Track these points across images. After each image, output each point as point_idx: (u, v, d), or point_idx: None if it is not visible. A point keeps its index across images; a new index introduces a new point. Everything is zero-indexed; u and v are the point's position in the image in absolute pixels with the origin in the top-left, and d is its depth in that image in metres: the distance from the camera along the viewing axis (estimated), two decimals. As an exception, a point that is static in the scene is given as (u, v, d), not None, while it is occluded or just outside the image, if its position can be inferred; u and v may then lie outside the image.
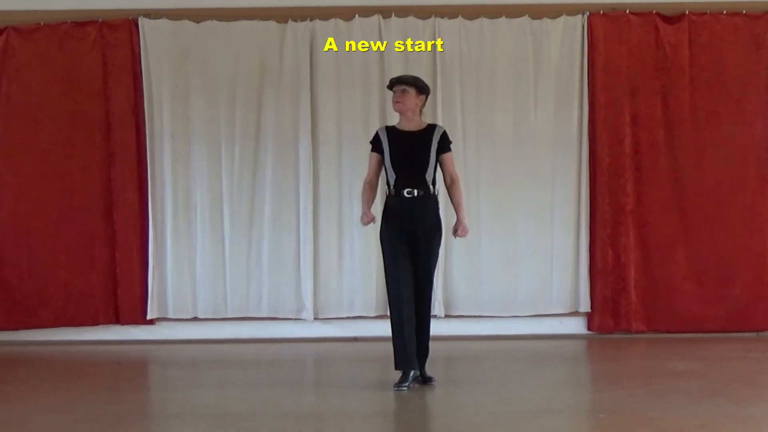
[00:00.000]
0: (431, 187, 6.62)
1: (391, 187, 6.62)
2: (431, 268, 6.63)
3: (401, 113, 6.70)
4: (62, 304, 8.85)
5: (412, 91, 6.66)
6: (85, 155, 8.86)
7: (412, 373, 6.52)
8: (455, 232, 6.79)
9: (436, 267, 6.72)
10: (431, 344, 6.68)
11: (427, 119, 6.85)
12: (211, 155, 8.89)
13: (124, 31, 8.85)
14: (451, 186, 6.78)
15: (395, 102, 6.70)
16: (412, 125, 6.69)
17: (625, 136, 8.85)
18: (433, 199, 6.65)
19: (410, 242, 6.58)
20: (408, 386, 6.47)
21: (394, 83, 6.76)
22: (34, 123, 8.84)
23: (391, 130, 6.74)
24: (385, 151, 6.65)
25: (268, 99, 8.89)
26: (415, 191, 6.57)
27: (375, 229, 8.82)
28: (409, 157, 6.62)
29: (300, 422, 5.78)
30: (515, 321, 8.89)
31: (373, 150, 6.74)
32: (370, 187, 6.80)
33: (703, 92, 8.87)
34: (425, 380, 6.65)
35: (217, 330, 8.92)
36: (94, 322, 8.89)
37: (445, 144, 6.69)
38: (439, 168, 6.72)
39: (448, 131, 6.77)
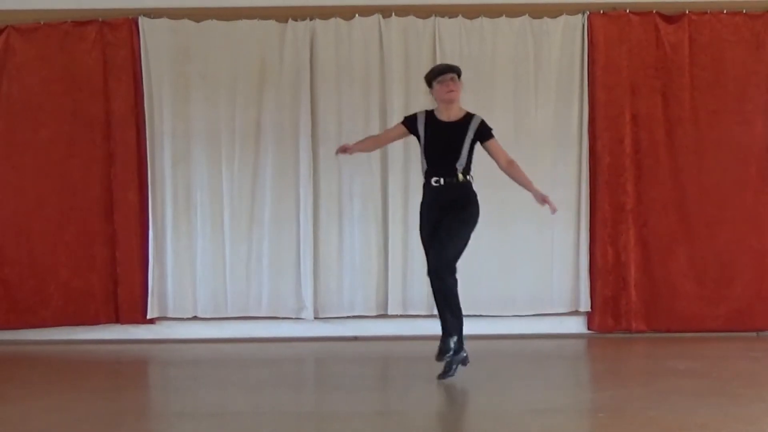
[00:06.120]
0: (460, 175, 6.65)
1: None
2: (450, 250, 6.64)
3: (451, 102, 6.63)
4: (62, 304, 8.85)
5: (458, 79, 6.63)
6: (86, 154, 8.86)
7: None
8: (548, 204, 6.75)
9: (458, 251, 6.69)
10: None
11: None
12: (211, 154, 8.89)
13: (124, 30, 8.85)
14: (508, 168, 6.74)
15: (450, 91, 6.58)
16: (452, 115, 6.66)
17: (625, 135, 8.85)
18: (462, 186, 6.69)
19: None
20: None
21: (444, 71, 6.64)
22: (34, 122, 8.84)
23: (430, 117, 6.68)
24: (420, 137, 6.66)
25: (268, 98, 8.88)
26: (442, 180, 6.63)
27: (375, 228, 8.92)
28: (441, 147, 6.63)
29: (300, 422, 5.78)
30: (515, 320, 8.89)
31: (403, 123, 6.79)
32: (373, 141, 7.13)
33: (704, 91, 8.86)
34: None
35: (217, 329, 8.92)
36: (94, 321, 8.89)
37: (485, 133, 6.65)
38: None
39: None
